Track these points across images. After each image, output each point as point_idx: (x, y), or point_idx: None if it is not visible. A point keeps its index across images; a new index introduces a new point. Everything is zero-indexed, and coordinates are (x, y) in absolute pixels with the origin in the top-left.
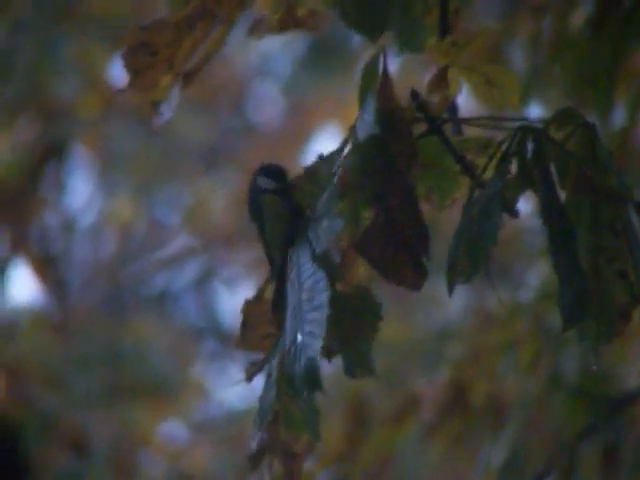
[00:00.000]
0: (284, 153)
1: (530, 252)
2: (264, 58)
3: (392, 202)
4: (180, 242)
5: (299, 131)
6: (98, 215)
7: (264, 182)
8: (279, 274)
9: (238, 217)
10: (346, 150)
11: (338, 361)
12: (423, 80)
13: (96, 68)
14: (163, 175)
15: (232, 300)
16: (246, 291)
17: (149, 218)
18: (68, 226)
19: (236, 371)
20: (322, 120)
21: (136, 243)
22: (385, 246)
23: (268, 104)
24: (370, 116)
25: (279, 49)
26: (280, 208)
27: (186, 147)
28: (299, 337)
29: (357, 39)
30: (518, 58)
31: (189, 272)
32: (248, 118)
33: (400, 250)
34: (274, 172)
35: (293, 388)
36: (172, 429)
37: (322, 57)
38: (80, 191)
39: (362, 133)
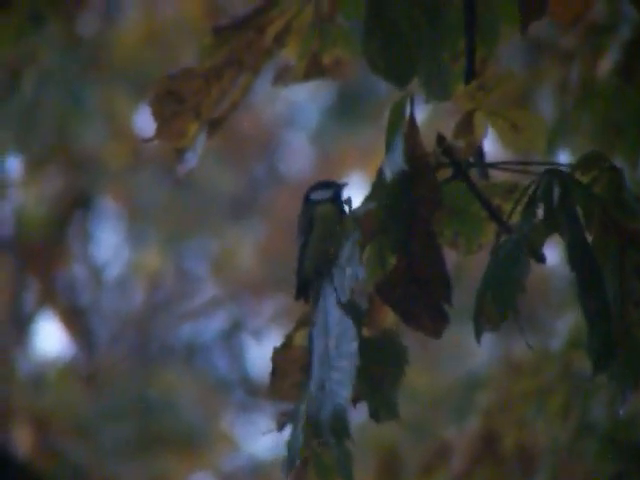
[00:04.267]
0: None
1: (558, 299)
2: (292, 108)
3: (414, 248)
4: (208, 293)
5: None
6: (126, 266)
7: (318, 195)
8: (316, 296)
9: (266, 267)
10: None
11: (366, 410)
12: (447, 127)
13: (122, 118)
14: (191, 226)
15: (260, 351)
16: (273, 342)
17: (177, 269)
18: (96, 277)
19: (264, 422)
20: (350, 169)
21: (164, 294)
22: (406, 291)
23: (296, 154)
24: (399, 156)
25: (307, 99)
26: (332, 219)
27: (214, 197)
28: (327, 384)
29: (384, 87)
30: (545, 105)
31: (217, 323)
32: (276, 168)
33: (421, 296)
34: (330, 184)
35: (321, 435)
36: (201, 479)
37: (349, 106)
38: (108, 242)
39: (390, 173)
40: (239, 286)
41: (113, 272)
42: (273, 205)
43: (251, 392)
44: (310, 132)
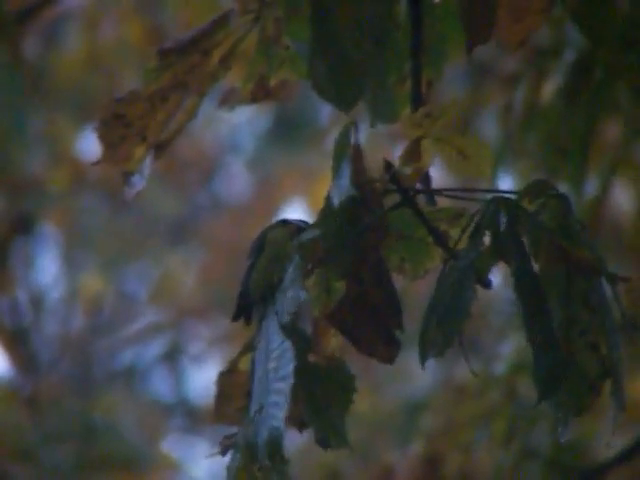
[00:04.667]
0: (252, 228)
1: (500, 324)
2: (231, 131)
3: (364, 276)
4: (148, 317)
5: (267, 206)
6: (66, 290)
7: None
8: (259, 320)
9: (206, 292)
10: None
11: (309, 433)
12: (388, 152)
13: (64, 142)
14: (131, 250)
15: (200, 375)
16: (213, 366)
17: (117, 293)
18: (37, 301)
19: (205, 446)
20: (289, 194)
21: (105, 318)
22: (358, 319)
23: (235, 178)
24: (346, 182)
25: (245, 122)
26: (283, 244)
27: (154, 222)
28: (264, 407)
29: (323, 111)
30: (487, 129)
31: (157, 347)
32: (216, 193)
33: (373, 323)
34: (292, 220)
35: (257, 458)
36: None
37: (287, 131)
38: (48, 265)
39: (337, 199)
40: (179, 310)
41: (54, 296)
42: (213, 230)
43: (192, 416)
44: (249, 156)
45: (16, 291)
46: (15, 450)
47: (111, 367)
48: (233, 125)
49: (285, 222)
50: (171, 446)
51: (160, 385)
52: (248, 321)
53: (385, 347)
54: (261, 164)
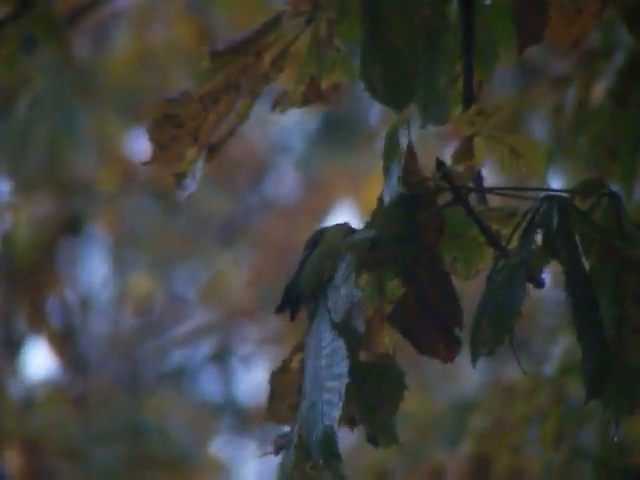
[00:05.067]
0: (301, 228)
1: (550, 325)
2: (280, 133)
3: (422, 275)
4: (197, 318)
5: (316, 206)
6: (116, 290)
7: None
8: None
9: (255, 293)
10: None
11: (359, 434)
12: (437, 153)
13: (113, 142)
14: (181, 250)
15: (249, 376)
16: (262, 367)
17: (167, 293)
18: (85, 301)
19: (254, 446)
20: (339, 195)
21: (154, 318)
22: (417, 319)
23: (285, 179)
24: (395, 181)
25: (294, 124)
26: (338, 241)
27: (204, 222)
28: (317, 406)
29: (373, 113)
30: (537, 129)
31: (206, 348)
32: (266, 194)
33: (433, 322)
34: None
35: (311, 457)
36: None
37: (335, 132)
38: (97, 266)
39: (387, 198)
40: (228, 311)
41: (103, 296)
42: (262, 230)
43: (240, 416)
44: (298, 157)
45: (65, 291)
46: (63, 450)
47: (160, 367)
48: (282, 126)
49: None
50: (219, 447)
51: (209, 386)
52: (293, 315)
53: (446, 346)
54: (310, 165)
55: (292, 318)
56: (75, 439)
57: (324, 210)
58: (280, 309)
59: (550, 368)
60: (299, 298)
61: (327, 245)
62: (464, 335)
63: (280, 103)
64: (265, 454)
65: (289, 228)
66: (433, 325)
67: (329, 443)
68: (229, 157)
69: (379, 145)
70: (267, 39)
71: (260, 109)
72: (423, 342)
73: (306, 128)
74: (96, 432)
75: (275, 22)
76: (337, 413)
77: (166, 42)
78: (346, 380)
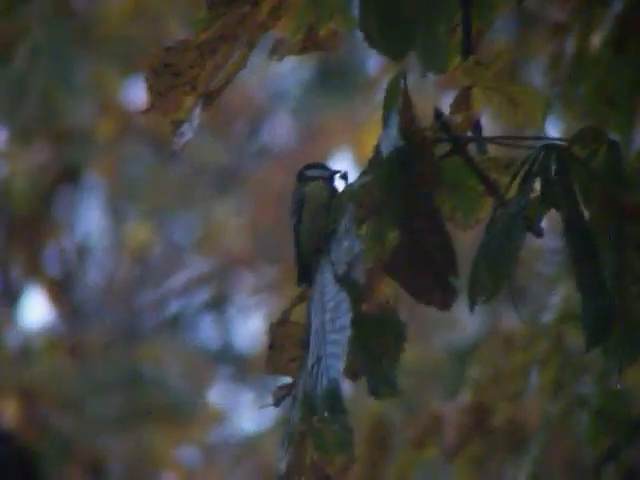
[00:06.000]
0: None
1: (549, 273)
2: (276, 80)
3: (418, 224)
4: (194, 266)
5: (314, 153)
6: (112, 239)
7: (312, 172)
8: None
9: (252, 241)
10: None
11: (357, 384)
12: (435, 102)
13: (109, 91)
14: (178, 199)
15: (246, 324)
16: (260, 315)
17: (164, 242)
18: (82, 250)
19: (251, 395)
20: (336, 143)
21: (151, 267)
22: (413, 268)
23: (282, 127)
24: (394, 132)
25: (290, 71)
26: (322, 197)
27: (201, 171)
28: (322, 359)
29: (369, 62)
30: (535, 77)
31: (203, 296)
32: (263, 141)
33: (428, 271)
34: (320, 165)
35: (316, 409)
36: (188, 452)
37: (332, 80)
38: (94, 215)
39: (386, 149)
40: (225, 259)
41: (100, 245)
42: (259, 178)
43: (238, 365)
44: (294, 105)
45: (62, 240)
46: (60, 400)
47: (157, 316)
48: (279, 74)
49: (311, 168)
50: (217, 395)
51: (206, 334)
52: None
53: (441, 294)
54: (307, 112)
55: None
56: (72, 388)
57: (321, 158)
58: (300, 281)
59: (549, 317)
60: (308, 263)
61: (314, 203)
62: (461, 283)
63: (278, 51)
64: (265, 405)
65: (286, 176)
66: (428, 274)
67: (334, 396)
68: (225, 106)
69: (377, 94)
70: None
71: (256, 58)
72: (419, 290)
73: (303, 76)
74: (93, 381)
75: None
76: (341, 365)
77: None
78: (349, 332)
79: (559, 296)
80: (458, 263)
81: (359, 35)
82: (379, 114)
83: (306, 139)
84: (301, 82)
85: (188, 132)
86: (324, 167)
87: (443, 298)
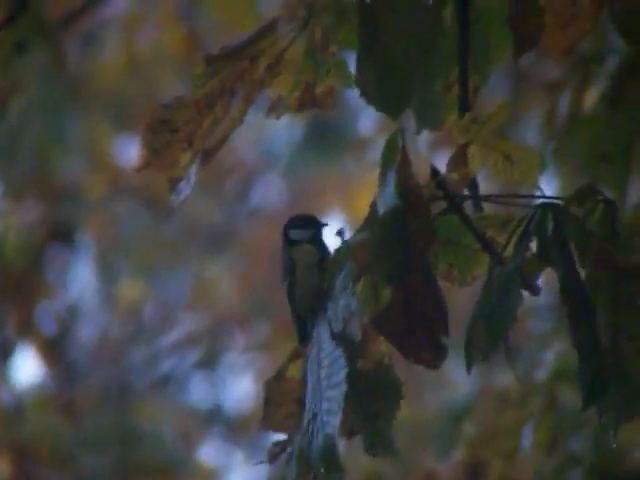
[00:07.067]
0: None
1: (541, 330)
2: (267, 140)
3: (411, 281)
4: (186, 325)
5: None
6: (104, 297)
7: (295, 234)
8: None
9: (244, 300)
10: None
11: (352, 441)
12: (429, 160)
13: (102, 148)
14: (169, 257)
15: (237, 384)
16: (252, 375)
17: (155, 300)
18: (74, 308)
19: (242, 454)
20: (327, 203)
21: (143, 325)
22: (404, 324)
23: (272, 186)
24: (391, 190)
25: (281, 130)
26: (312, 259)
27: (192, 229)
28: (318, 415)
29: (361, 121)
30: (526, 133)
31: (195, 355)
32: (253, 201)
33: (419, 329)
34: (307, 221)
35: (311, 465)
36: None
37: (322, 139)
38: (86, 273)
39: (383, 207)
40: (217, 318)
41: (92, 303)
42: (251, 238)
43: (229, 424)
44: (285, 164)
45: (54, 298)
46: (52, 457)
47: (149, 375)
48: (269, 132)
49: (305, 221)
50: (208, 454)
51: (197, 393)
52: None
53: (431, 353)
54: (298, 172)
55: None
56: (64, 445)
57: None
58: (302, 341)
59: (542, 374)
60: (304, 320)
61: (303, 263)
62: (451, 342)
63: (275, 108)
64: (259, 462)
65: (277, 236)
66: (419, 332)
67: (330, 453)
68: (217, 164)
69: (368, 153)
70: (262, 44)
71: (249, 116)
72: (409, 348)
73: (293, 135)
74: (85, 439)
75: (270, 27)
76: (337, 421)
77: (155, 48)
78: (344, 388)
79: (552, 353)
80: (448, 322)
81: (351, 94)
82: (371, 174)
83: (297, 199)
84: (292, 141)
85: (185, 189)
86: (307, 222)
87: (433, 357)
